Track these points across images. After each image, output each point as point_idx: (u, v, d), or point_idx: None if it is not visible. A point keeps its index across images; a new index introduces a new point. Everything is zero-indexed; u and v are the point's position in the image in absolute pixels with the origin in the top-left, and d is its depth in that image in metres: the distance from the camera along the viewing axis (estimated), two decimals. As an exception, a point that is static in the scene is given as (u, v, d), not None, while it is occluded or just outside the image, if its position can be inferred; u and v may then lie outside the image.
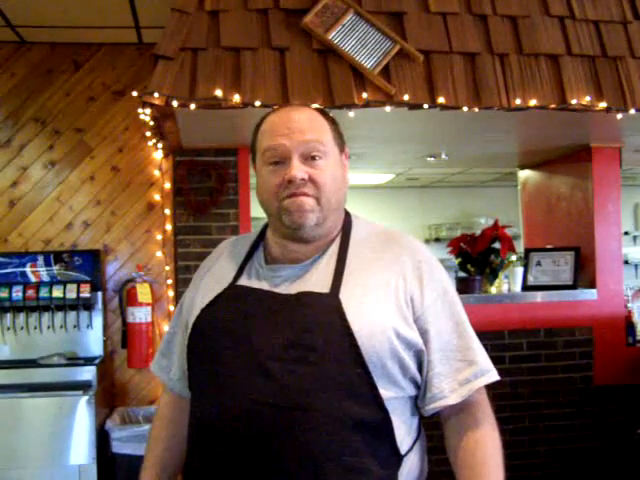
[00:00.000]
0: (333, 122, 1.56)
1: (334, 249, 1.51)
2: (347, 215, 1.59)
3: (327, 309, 1.40)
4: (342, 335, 1.37)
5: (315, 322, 1.39)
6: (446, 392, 1.45)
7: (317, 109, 1.57)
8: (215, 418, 1.41)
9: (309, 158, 1.47)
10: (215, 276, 1.59)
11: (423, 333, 1.45)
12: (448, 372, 1.46)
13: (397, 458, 1.42)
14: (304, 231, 1.47)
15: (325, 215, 1.48)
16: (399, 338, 1.40)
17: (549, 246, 4.77)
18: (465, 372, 1.46)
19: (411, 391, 1.47)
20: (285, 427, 1.34)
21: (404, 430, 1.45)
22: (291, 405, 1.34)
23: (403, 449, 1.43)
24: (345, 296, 1.42)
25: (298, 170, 1.44)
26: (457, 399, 1.45)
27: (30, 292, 4.34)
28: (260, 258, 1.57)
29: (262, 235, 1.63)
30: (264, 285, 1.50)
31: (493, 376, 1.49)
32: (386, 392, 1.40)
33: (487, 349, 1.53)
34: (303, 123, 1.48)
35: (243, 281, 1.54)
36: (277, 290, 1.47)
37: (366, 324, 1.38)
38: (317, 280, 1.46)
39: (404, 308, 1.43)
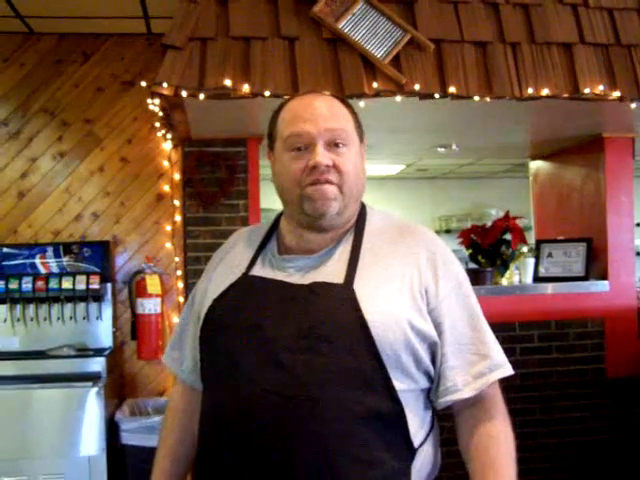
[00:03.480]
0: (354, 111, 1.55)
1: (348, 240, 1.50)
2: (362, 206, 1.58)
3: (341, 300, 1.39)
4: (356, 326, 1.36)
5: (329, 313, 1.38)
6: (459, 385, 1.44)
7: (338, 97, 1.56)
8: (227, 408, 1.40)
9: (333, 145, 1.46)
10: (228, 266, 1.58)
11: (437, 325, 1.43)
12: (462, 365, 1.44)
13: (410, 451, 1.41)
14: (325, 220, 1.46)
15: (346, 204, 1.47)
16: (413, 330, 1.39)
17: (560, 237, 4.73)
18: (479, 365, 1.45)
19: (424, 384, 1.45)
20: (297, 418, 1.32)
21: (417, 422, 1.43)
22: (304, 396, 1.33)
23: (416, 442, 1.42)
24: (359, 287, 1.40)
25: (323, 156, 1.43)
26: (470, 393, 1.44)
27: (40, 283, 4.34)
28: (273, 248, 1.56)
29: (275, 225, 1.62)
30: (277, 275, 1.49)
31: (507, 370, 1.48)
32: (400, 384, 1.38)
33: (498, 341, 1.51)
34: (327, 110, 1.48)
35: (256, 271, 1.52)
36: (290, 280, 1.46)
37: (380, 315, 1.37)
38: (331, 271, 1.45)
39: (418, 300, 1.42)
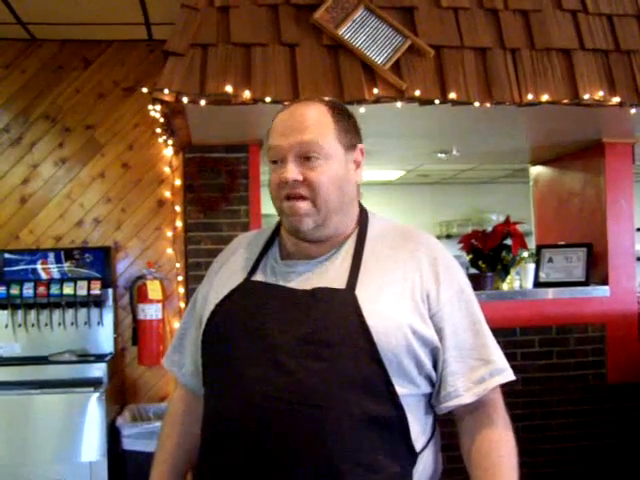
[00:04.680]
0: (341, 118, 1.50)
1: (350, 245, 1.50)
2: (363, 211, 1.57)
3: (343, 305, 1.39)
4: (358, 331, 1.36)
5: (331, 318, 1.38)
6: (460, 391, 1.44)
7: (327, 103, 1.51)
8: (229, 413, 1.40)
9: (304, 159, 1.44)
10: (229, 271, 1.58)
11: (438, 331, 1.43)
12: (463, 371, 1.44)
13: (412, 455, 1.41)
14: (303, 234, 1.47)
15: (324, 216, 1.46)
16: (415, 335, 1.39)
17: (561, 242, 4.74)
18: (480, 371, 1.45)
19: (426, 388, 1.45)
20: (300, 423, 1.33)
21: (419, 427, 1.44)
22: (306, 401, 1.33)
23: (418, 446, 1.42)
24: (361, 292, 1.40)
25: (291, 172, 1.43)
26: (471, 398, 1.44)
27: (41, 289, 4.35)
28: (275, 253, 1.56)
29: (277, 231, 1.62)
30: (279, 280, 1.49)
31: (508, 375, 1.48)
32: (401, 389, 1.39)
33: (499, 345, 1.51)
34: (303, 122, 1.45)
35: (258, 276, 1.53)
36: (292, 286, 1.46)
37: (382, 320, 1.37)
38: (333, 276, 1.45)
39: (420, 305, 1.42)
